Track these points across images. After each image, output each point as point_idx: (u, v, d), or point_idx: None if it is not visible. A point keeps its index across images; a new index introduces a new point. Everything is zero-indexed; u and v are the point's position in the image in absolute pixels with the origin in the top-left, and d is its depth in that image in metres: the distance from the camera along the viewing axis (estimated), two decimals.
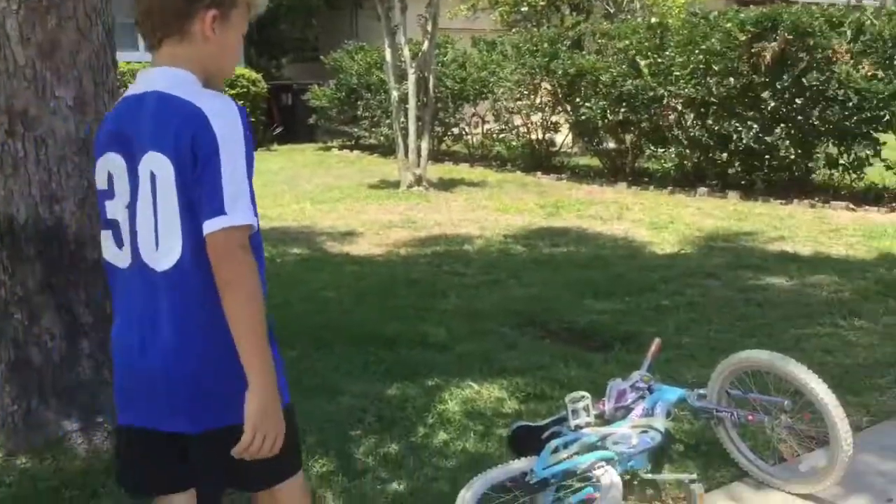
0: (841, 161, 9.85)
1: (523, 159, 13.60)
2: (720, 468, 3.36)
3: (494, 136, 14.27)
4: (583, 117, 11.95)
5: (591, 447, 3.11)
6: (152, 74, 1.95)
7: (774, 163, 10.12)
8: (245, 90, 16.15)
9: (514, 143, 13.89)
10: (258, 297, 1.83)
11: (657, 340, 3.78)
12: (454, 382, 4.20)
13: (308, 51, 20.78)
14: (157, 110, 1.88)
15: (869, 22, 9.46)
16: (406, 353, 4.67)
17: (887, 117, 9.38)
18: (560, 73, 12.17)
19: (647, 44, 11.13)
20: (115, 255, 2.00)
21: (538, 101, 13.20)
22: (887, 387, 4.14)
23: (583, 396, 3.27)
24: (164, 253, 1.88)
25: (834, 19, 9.65)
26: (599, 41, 12.37)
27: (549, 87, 12.86)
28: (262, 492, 2.09)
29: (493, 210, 9.68)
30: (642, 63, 11.08)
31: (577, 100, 12.12)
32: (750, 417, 3.23)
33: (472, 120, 14.56)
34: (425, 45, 11.32)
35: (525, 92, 13.31)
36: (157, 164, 1.86)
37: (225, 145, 1.82)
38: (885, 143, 9.63)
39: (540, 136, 13.37)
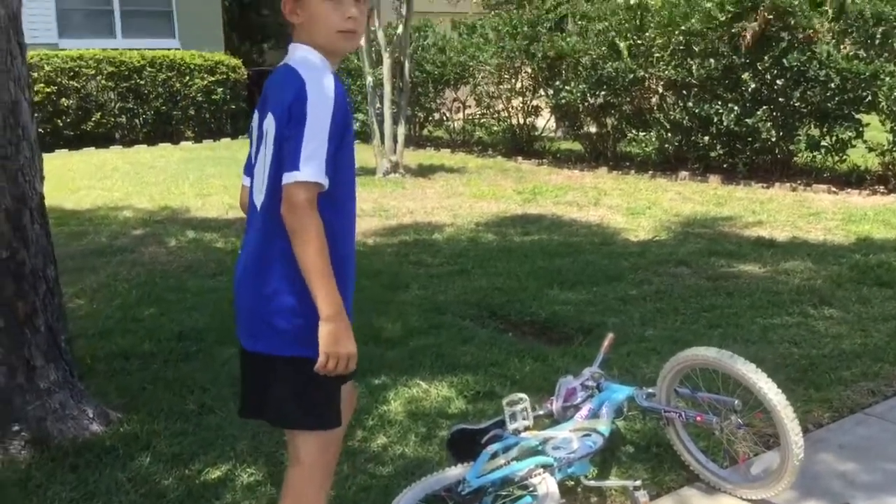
0: (823, 143, 9.67)
1: (504, 144, 13.41)
2: (670, 471, 3.19)
3: (475, 120, 14.06)
4: (563, 101, 11.76)
5: (531, 452, 2.95)
6: (289, 50, 2.29)
7: (756, 145, 9.93)
8: (225, 77, 15.94)
9: (495, 128, 13.70)
10: (319, 243, 2.07)
11: (610, 335, 3.61)
12: (402, 381, 4.03)
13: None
14: (280, 79, 2.23)
15: (850, 0, 9.24)
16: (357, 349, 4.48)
17: (869, 98, 9.20)
18: (540, 56, 11.97)
19: (626, 25, 10.92)
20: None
21: (519, 84, 13.01)
22: (852, 380, 3.97)
23: (520, 399, 3.09)
24: (262, 196, 2.22)
25: None
26: (580, 23, 12.15)
27: (529, 71, 12.66)
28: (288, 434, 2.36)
29: (469, 197, 9.49)
30: (622, 45, 10.88)
31: (558, 83, 11.92)
32: (699, 418, 3.06)
33: (454, 105, 14.34)
34: (400, 29, 11.10)
35: (506, 76, 13.11)
36: (270, 123, 2.19)
37: (313, 110, 2.09)
38: (867, 125, 9.45)
39: (521, 121, 13.18)
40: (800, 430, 2.79)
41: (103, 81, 14.55)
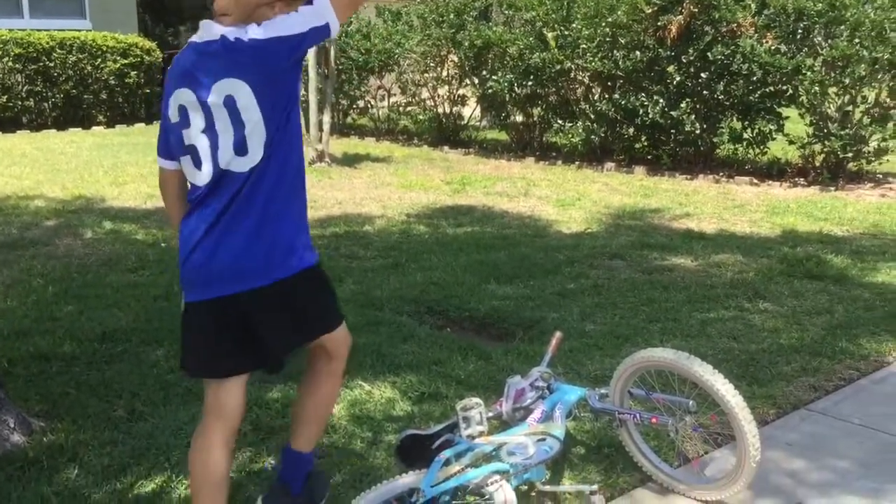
0: (745, 135, 9.85)
1: (430, 133, 13.28)
2: (623, 473, 3.14)
3: (401, 109, 13.89)
4: (490, 90, 11.69)
5: (485, 458, 2.85)
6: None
7: (680, 137, 10.05)
8: (139, 60, 15.35)
9: (420, 117, 13.55)
10: None
11: (558, 334, 3.54)
12: (343, 382, 3.87)
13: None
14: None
15: None
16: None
17: (790, 92, 9.40)
18: (467, 44, 11.86)
19: (553, 15, 10.90)
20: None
21: (445, 73, 12.89)
22: (793, 375, 4.01)
23: (475, 404, 2.99)
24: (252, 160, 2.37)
25: None
26: (506, 12, 12.10)
27: (455, 60, 12.55)
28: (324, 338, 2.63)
29: (398, 187, 9.34)
30: (549, 35, 10.86)
31: (485, 72, 11.85)
32: (653, 420, 3.01)
33: (378, 93, 14.13)
34: None
35: (431, 64, 12.97)
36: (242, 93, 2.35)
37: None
38: (787, 118, 9.66)
39: (447, 110, 13.07)
40: (757, 431, 2.77)
41: (10, 63, 13.82)
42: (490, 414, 3.16)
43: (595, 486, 2.88)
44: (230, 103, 2.31)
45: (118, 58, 15.05)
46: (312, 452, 2.81)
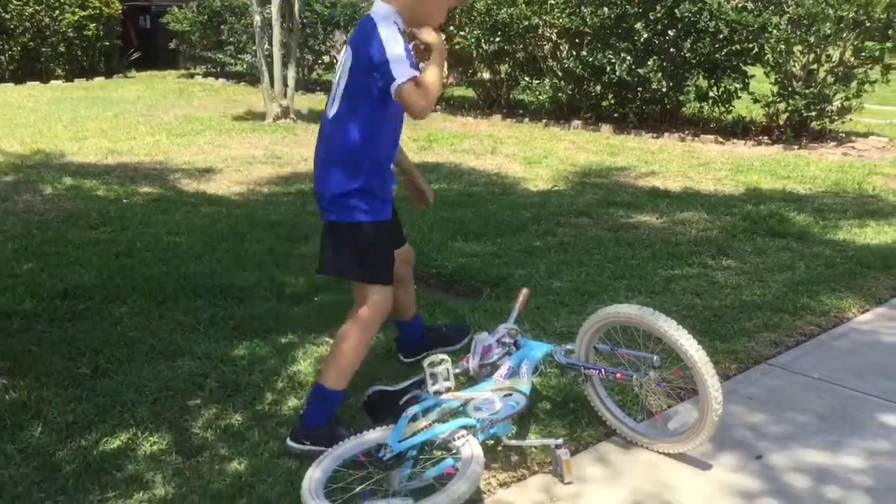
0: (710, 94, 9.89)
1: None
2: (588, 427, 3.17)
3: None
4: (457, 46, 11.58)
5: (452, 413, 2.87)
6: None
7: (646, 95, 10.06)
8: (97, 11, 15.00)
9: None
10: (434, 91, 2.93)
11: (525, 291, 3.55)
12: (310, 339, 3.88)
13: None
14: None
15: None
16: (259, 305, 4.30)
17: (756, 50, 9.43)
18: None
19: None
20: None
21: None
22: (755, 331, 4.06)
23: (442, 360, 3.00)
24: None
25: None
26: None
27: None
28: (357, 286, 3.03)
29: None
30: None
31: (452, 28, 11.72)
32: (618, 375, 3.04)
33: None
34: None
35: None
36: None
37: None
38: (753, 76, 9.70)
39: None
40: (719, 385, 2.80)
41: None
42: (457, 370, 3.17)
43: (560, 440, 2.92)
44: (343, 65, 2.91)
45: (77, 10, 14.71)
46: (339, 392, 3.00)
